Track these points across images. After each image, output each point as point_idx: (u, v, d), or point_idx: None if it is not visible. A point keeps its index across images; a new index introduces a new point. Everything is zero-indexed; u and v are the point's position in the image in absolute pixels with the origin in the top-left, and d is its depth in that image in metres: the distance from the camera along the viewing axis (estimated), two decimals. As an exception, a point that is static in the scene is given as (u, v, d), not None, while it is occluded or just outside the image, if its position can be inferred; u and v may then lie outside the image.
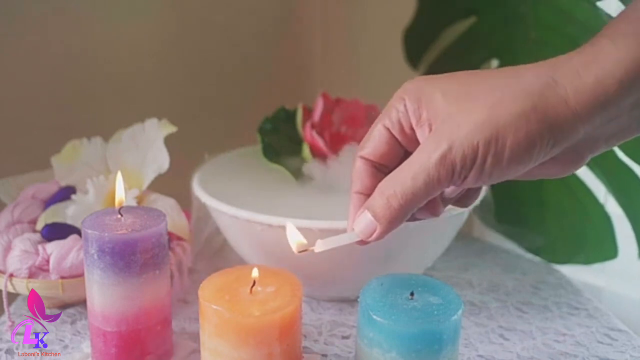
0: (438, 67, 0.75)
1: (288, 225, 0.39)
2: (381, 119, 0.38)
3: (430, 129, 0.36)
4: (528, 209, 0.68)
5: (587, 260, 0.66)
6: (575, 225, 0.65)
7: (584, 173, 0.63)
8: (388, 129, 0.38)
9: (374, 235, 0.37)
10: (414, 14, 0.76)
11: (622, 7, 0.56)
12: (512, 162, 0.34)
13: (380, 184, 0.36)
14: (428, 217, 0.39)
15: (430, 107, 0.36)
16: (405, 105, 0.37)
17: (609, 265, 0.66)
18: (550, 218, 0.67)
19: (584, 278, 0.74)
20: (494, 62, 0.71)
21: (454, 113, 0.34)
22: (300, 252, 0.38)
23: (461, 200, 0.41)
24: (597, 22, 0.57)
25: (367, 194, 0.38)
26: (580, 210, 0.65)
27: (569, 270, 0.69)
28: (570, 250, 0.67)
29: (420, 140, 0.37)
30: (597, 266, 0.67)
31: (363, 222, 0.37)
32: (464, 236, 0.70)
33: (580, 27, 0.59)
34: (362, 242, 0.38)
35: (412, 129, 0.37)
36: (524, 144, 0.33)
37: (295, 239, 0.39)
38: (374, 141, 0.38)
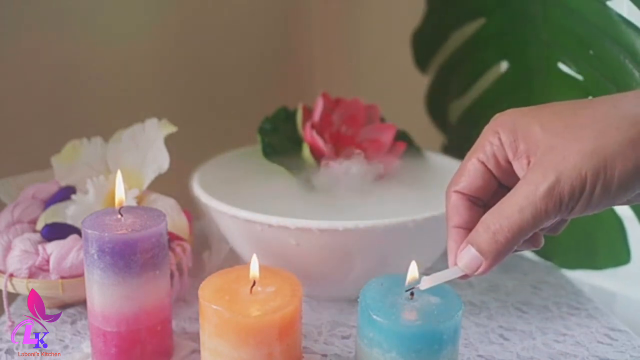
0: (447, 70, 0.74)
1: (412, 264, 0.40)
2: (475, 153, 0.38)
3: (529, 161, 0.36)
4: None
5: (599, 266, 0.65)
6: (586, 229, 0.64)
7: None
8: (483, 163, 0.38)
9: (480, 270, 0.37)
10: (423, 17, 0.75)
11: (632, 7, 0.55)
12: (620, 191, 0.34)
13: (483, 218, 0.36)
14: (528, 249, 0.39)
15: (528, 139, 0.36)
16: (499, 139, 0.37)
17: (621, 269, 0.65)
18: None
19: (595, 282, 0.73)
20: (504, 64, 0.70)
21: (557, 144, 0.34)
22: (407, 290, 0.39)
23: (555, 227, 0.40)
24: (608, 22, 0.56)
25: (466, 227, 0.38)
26: (593, 216, 0.64)
27: (580, 275, 0.68)
28: (582, 255, 0.66)
29: (518, 173, 0.37)
30: (608, 271, 0.66)
31: (467, 257, 0.37)
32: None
33: (590, 28, 0.58)
34: (466, 277, 0.38)
35: (507, 162, 0.37)
36: (632, 172, 0.33)
37: (411, 274, 0.40)
38: (469, 175, 0.38)
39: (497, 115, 0.38)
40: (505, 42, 0.68)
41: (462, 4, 0.72)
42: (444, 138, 0.78)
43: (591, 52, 0.58)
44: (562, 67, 0.63)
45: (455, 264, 0.38)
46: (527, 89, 0.66)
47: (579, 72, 0.61)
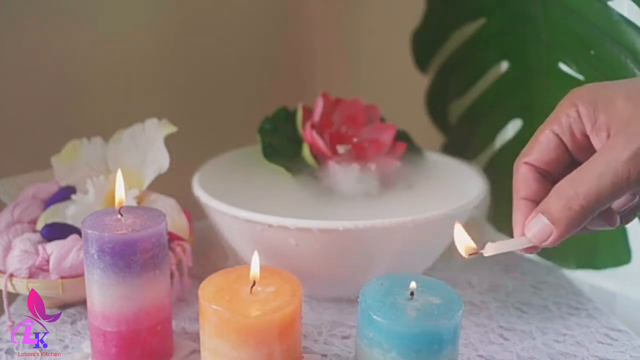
0: (447, 70, 0.74)
1: (456, 228, 0.38)
2: (549, 124, 0.37)
3: (608, 134, 0.35)
4: None
5: (599, 265, 0.65)
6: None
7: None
8: (557, 135, 0.37)
9: (550, 240, 0.35)
10: (423, 17, 0.74)
11: (633, 6, 0.55)
12: None
13: (557, 186, 0.35)
14: (602, 228, 0.38)
15: (610, 110, 0.35)
16: (577, 111, 0.36)
17: (621, 269, 0.64)
18: None
19: (595, 282, 0.72)
20: (504, 64, 0.70)
21: None
22: (470, 255, 0.37)
23: (628, 213, 0.39)
24: (608, 22, 0.56)
25: (535, 200, 0.37)
26: None
27: (580, 275, 0.68)
28: (582, 255, 0.65)
29: (595, 146, 0.36)
30: (608, 270, 0.66)
31: (537, 226, 0.35)
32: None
33: (590, 28, 0.58)
34: (534, 248, 0.36)
35: (584, 134, 0.36)
36: None
37: (463, 241, 0.38)
38: (542, 147, 0.37)
39: (575, 89, 0.37)
40: (505, 42, 0.68)
41: (462, 4, 0.71)
42: (443, 138, 0.78)
43: (592, 52, 0.58)
44: (563, 67, 0.62)
45: (523, 234, 0.36)
46: (527, 89, 0.66)
47: (579, 72, 0.61)
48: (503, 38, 0.68)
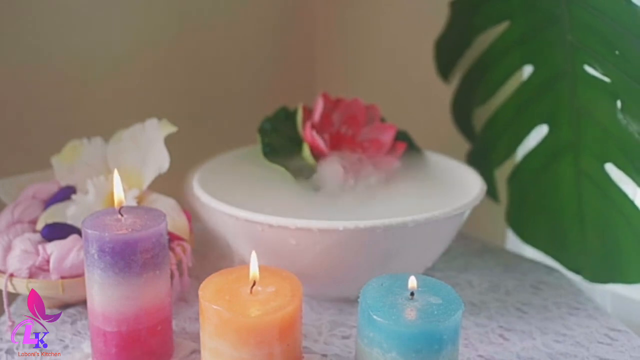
0: (472, 77, 0.71)
1: None
2: None
3: None
4: (567, 224, 0.64)
5: (631, 279, 0.62)
6: (618, 241, 0.61)
7: (628, 185, 0.59)
8: None
9: None
10: (446, 24, 0.71)
11: None
12: None
13: None
14: None
15: None
16: None
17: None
18: (591, 234, 0.62)
19: (620, 291, 0.71)
20: (528, 68, 0.67)
21: None
22: None
23: None
24: (632, 19, 0.54)
25: None
26: (624, 225, 0.60)
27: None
28: (613, 268, 0.63)
29: None
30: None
31: None
32: (464, 236, 0.71)
33: (615, 26, 0.56)
34: None
35: None
36: None
37: None
38: None
39: None
40: (529, 45, 0.65)
41: (487, 8, 0.68)
42: (468, 145, 0.75)
43: (617, 52, 0.56)
44: (588, 69, 0.60)
45: None
46: (553, 93, 0.63)
47: (604, 74, 0.58)
48: (527, 41, 0.65)
